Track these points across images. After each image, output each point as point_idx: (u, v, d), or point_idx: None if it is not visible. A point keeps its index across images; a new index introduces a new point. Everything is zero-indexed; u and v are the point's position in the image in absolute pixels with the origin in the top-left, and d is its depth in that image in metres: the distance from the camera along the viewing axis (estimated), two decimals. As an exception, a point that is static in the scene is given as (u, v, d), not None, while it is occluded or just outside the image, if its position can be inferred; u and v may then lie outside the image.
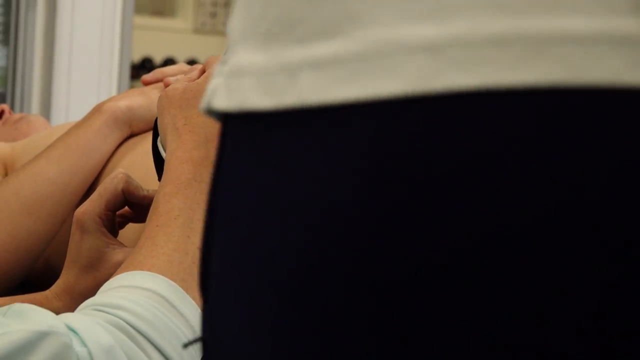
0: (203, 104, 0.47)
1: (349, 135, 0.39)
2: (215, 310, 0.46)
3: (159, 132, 0.99)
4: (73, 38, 2.92)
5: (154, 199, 0.92)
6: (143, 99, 1.36)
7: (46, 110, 2.90)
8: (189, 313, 0.83)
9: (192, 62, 6.45)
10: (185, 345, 0.79)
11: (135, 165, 1.24)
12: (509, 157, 0.35)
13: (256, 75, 0.42)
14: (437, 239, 0.36)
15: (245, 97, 0.43)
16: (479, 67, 0.35)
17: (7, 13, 2.94)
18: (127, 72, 2.98)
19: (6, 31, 2.94)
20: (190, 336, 0.82)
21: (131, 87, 3.26)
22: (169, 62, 6.40)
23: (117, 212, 1.05)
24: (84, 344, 0.77)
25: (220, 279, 0.45)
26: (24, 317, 0.77)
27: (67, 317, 0.80)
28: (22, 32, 2.88)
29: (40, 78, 2.92)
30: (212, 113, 0.47)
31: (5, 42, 2.95)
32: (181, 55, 6.45)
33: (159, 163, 1.03)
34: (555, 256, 0.35)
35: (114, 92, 2.94)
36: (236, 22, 0.46)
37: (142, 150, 1.23)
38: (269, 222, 0.42)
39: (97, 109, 1.34)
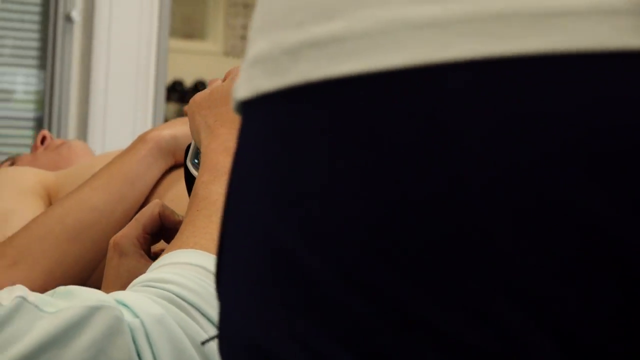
0: (232, 103, 0.49)
1: (352, 108, 0.40)
2: (225, 296, 0.47)
3: (192, 135, 1.01)
4: (109, 61, 2.93)
5: (193, 187, 0.94)
6: (187, 128, 1.36)
7: (82, 133, 2.92)
8: None
9: (222, 85, 6.48)
10: (203, 343, 0.80)
11: (181, 198, 1.24)
12: (525, 117, 0.38)
13: (263, 61, 0.45)
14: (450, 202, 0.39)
15: (257, 82, 0.45)
16: (484, 38, 0.38)
17: (43, 37, 2.96)
18: (162, 95, 2.99)
19: (43, 55, 2.96)
20: None
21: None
22: (199, 84, 6.43)
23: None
24: (135, 315, 0.79)
25: (230, 264, 0.47)
26: (71, 295, 0.79)
27: (116, 294, 0.82)
28: (58, 55, 2.90)
29: (76, 101, 2.94)
30: (238, 109, 0.49)
31: (42, 66, 2.97)
32: (211, 77, 6.48)
33: (190, 183, 1.06)
34: None
35: (149, 115, 2.95)
36: (253, 21, 0.48)
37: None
38: (274, 201, 0.43)
39: (141, 138, 1.35)
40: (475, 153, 0.38)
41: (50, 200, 1.51)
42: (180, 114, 6.30)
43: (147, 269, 1.03)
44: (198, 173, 0.97)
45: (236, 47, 6.63)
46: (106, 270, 1.05)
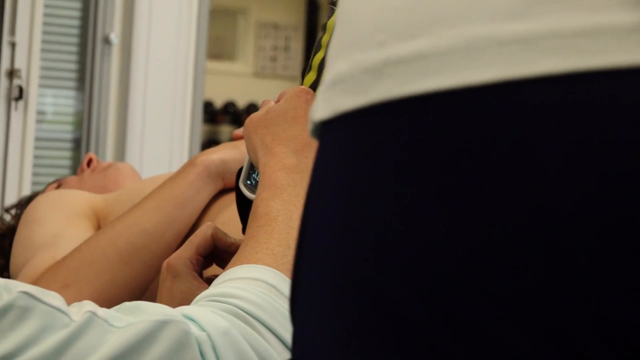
0: (309, 126, 0.49)
1: (436, 124, 0.41)
2: (302, 321, 0.47)
3: (249, 154, 1.03)
4: (147, 83, 2.95)
5: (253, 205, 0.96)
6: (235, 152, 1.37)
7: (120, 154, 2.93)
8: None
9: (251, 106, 6.50)
10: None
11: (232, 222, 1.25)
12: (616, 128, 0.37)
13: (343, 81, 0.45)
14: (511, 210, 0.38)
15: (336, 102, 0.45)
16: (571, 54, 0.38)
17: (82, 59, 2.99)
18: (199, 116, 3.00)
19: (81, 77, 2.98)
20: None
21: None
22: (229, 105, 6.46)
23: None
24: (202, 329, 0.79)
25: (308, 289, 0.47)
26: (139, 310, 0.80)
27: (182, 308, 0.83)
28: (97, 77, 2.92)
29: (114, 123, 2.95)
30: (315, 132, 0.49)
31: (81, 87, 2.99)
32: (241, 99, 6.50)
33: (242, 205, 1.07)
34: None
35: (186, 136, 2.96)
36: (331, 46, 0.49)
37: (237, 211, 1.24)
38: (355, 225, 0.43)
39: (191, 162, 1.36)
40: (560, 175, 0.38)
41: (98, 222, 1.51)
42: (211, 134, 6.32)
43: (200, 290, 1.03)
44: (256, 191, 0.98)
45: (266, 68, 6.65)
46: (159, 291, 1.05)
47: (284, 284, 0.87)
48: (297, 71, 6.71)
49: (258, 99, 6.48)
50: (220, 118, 6.44)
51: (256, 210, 0.94)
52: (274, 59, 6.65)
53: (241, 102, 6.51)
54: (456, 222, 0.39)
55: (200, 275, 1.05)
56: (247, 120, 1.04)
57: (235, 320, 0.82)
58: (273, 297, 0.85)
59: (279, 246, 0.90)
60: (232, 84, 6.49)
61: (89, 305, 0.80)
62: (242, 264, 0.89)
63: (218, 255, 1.07)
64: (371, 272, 0.42)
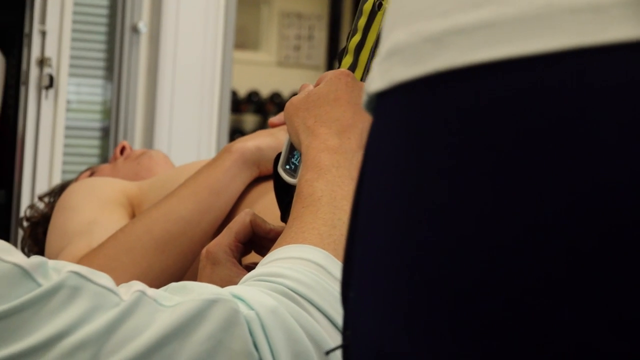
0: (363, 99, 0.48)
1: (500, 93, 0.39)
2: (356, 304, 0.46)
3: (291, 137, 1.03)
4: (175, 72, 2.95)
5: (297, 186, 0.96)
6: (271, 140, 1.36)
7: (148, 142, 2.94)
8: None
9: (275, 95, 6.49)
10: (328, 353, 0.80)
11: (269, 209, 1.25)
12: None
13: (401, 51, 0.44)
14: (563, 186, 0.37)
15: (394, 73, 0.44)
16: None
17: (110, 48, 2.99)
18: (227, 105, 3.00)
19: (110, 66, 2.99)
20: None
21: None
22: (253, 95, 6.45)
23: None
24: (250, 308, 0.80)
25: (363, 271, 0.46)
26: (186, 290, 0.81)
27: (230, 288, 0.83)
28: (125, 66, 2.93)
29: (142, 111, 2.95)
30: (369, 105, 0.48)
31: (109, 76, 3.00)
32: (265, 88, 6.50)
33: (280, 191, 1.07)
34: None
35: (214, 125, 2.96)
36: (386, 19, 0.48)
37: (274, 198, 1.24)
38: (415, 204, 0.42)
39: (227, 149, 1.36)
40: (621, 149, 0.37)
41: (133, 210, 1.52)
42: (235, 123, 6.32)
43: (240, 277, 1.03)
44: (299, 173, 0.98)
45: (290, 58, 6.64)
46: (199, 279, 1.05)
47: (331, 263, 0.87)
48: (321, 60, 6.70)
49: (282, 88, 6.48)
50: (244, 107, 6.43)
51: (300, 192, 0.94)
52: (297, 48, 6.64)
53: (265, 92, 6.50)
54: (533, 202, 0.38)
55: (239, 262, 1.05)
56: (288, 104, 1.04)
57: (284, 299, 0.82)
58: (321, 276, 0.85)
59: (324, 226, 0.90)
60: (256, 74, 6.48)
61: (138, 285, 0.80)
62: (288, 244, 0.89)
63: (257, 242, 1.07)
64: (432, 258, 0.41)
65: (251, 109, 6.48)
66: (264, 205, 1.30)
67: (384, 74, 0.45)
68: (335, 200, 0.92)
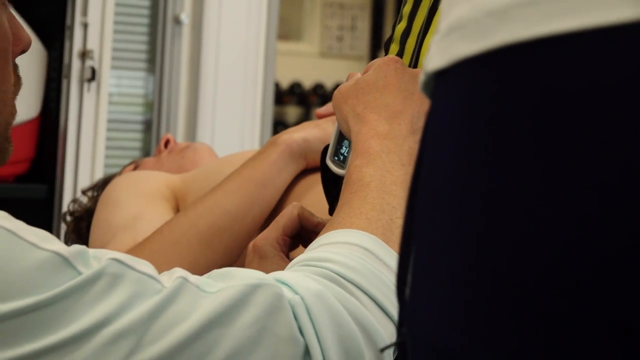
0: (421, 80, 0.47)
1: (569, 67, 0.38)
2: (413, 296, 0.45)
3: (340, 125, 1.03)
4: (218, 64, 2.95)
5: (346, 173, 0.97)
6: (318, 131, 1.36)
7: (191, 136, 2.94)
8: (392, 263, 0.86)
9: (318, 87, 6.49)
10: (383, 350, 0.80)
11: (318, 203, 1.23)
12: None
13: (462, 27, 0.43)
14: None
15: (454, 49, 0.43)
16: None
17: (152, 40, 2.99)
18: (270, 97, 3.00)
19: (152, 58, 2.99)
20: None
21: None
22: (295, 86, 6.45)
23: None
24: (295, 292, 0.80)
25: (422, 261, 0.45)
26: (229, 276, 0.80)
27: (274, 273, 0.84)
28: (167, 58, 2.93)
29: (185, 104, 2.96)
30: (427, 85, 0.46)
31: (151, 69, 3.00)
32: (307, 80, 6.49)
33: (328, 183, 1.08)
34: None
35: (257, 117, 2.96)
36: None
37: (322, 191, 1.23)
38: (478, 187, 0.41)
39: (273, 142, 1.35)
40: None
41: (177, 203, 1.51)
42: (277, 115, 6.33)
43: None
44: (348, 161, 0.98)
45: (332, 48, 6.63)
46: None
47: (380, 248, 0.87)
48: (364, 51, 6.68)
49: (324, 79, 6.47)
50: (287, 99, 6.44)
51: (349, 178, 0.95)
52: (340, 39, 6.62)
53: (307, 83, 6.50)
54: (610, 192, 0.36)
55: (287, 256, 1.05)
56: (336, 92, 1.04)
57: (330, 283, 0.82)
58: (369, 261, 0.85)
59: (372, 211, 0.90)
60: (298, 65, 6.48)
61: (179, 272, 0.80)
62: (336, 229, 0.90)
63: (305, 235, 1.06)
64: (493, 251, 0.40)
65: (294, 100, 6.49)
66: (311, 198, 1.29)
67: (444, 51, 0.44)
68: (385, 185, 0.92)
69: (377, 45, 6.50)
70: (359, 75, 1.05)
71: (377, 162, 0.94)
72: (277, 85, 6.25)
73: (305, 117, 6.29)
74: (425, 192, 0.46)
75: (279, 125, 5.81)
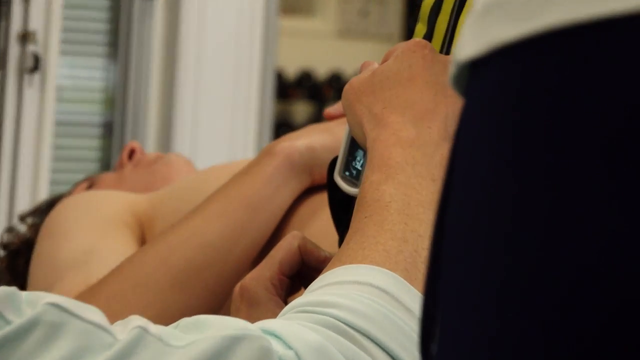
0: (450, 72, 0.48)
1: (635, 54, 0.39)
2: (446, 350, 0.47)
3: (352, 130, 1.04)
4: (200, 49, 2.97)
5: (360, 191, 0.97)
6: (327, 137, 1.36)
7: (164, 142, 2.96)
8: (415, 307, 0.87)
9: (335, 77, 6.50)
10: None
11: (326, 233, 1.24)
12: None
13: (504, 5, 0.44)
14: None
15: (494, 32, 0.44)
16: None
17: (115, 19, 3.01)
18: (271, 91, 3.01)
19: (114, 42, 3.01)
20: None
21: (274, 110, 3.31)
22: (305, 76, 6.48)
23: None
24: (288, 347, 0.80)
25: (456, 304, 0.46)
26: (203, 326, 0.81)
27: (262, 322, 0.84)
28: (135, 42, 2.95)
29: (157, 101, 2.98)
30: (459, 79, 0.48)
31: (113, 55, 3.02)
32: (321, 66, 6.52)
33: (337, 207, 1.09)
34: None
35: (252, 117, 2.97)
36: None
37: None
38: (529, 202, 0.42)
39: (268, 151, 1.35)
40: None
41: (143, 232, 1.52)
42: (282, 114, 6.35)
43: None
44: (363, 176, 0.99)
45: (353, 26, 6.66)
46: None
47: (401, 288, 0.88)
48: (395, 29, 6.70)
49: (344, 66, 6.49)
50: (294, 93, 6.47)
51: (363, 198, 0.96)
52: (364, 14, 6.65)
53: (321, 71, 6.53)
54: None
55: (285, 301, 1.05)
56: (347, 87, 1.04)
57: (332, 334, 0.83)
58: (385, 305, 0.86)
59: (392, 240, 0.91)
60: (309, 48, 6.51)
61: (137, 320, 0.80)
62: (344, 264, 0.90)
63: (308, 275, 1.07)
64: (562, 295, 0.41)
65: (303, 94, 6.51)
66: (318, 226, 1.30)
67: (480, 35, 0.45)
68: (409, 206, 0.93)
69: (413, 22, 6.52)
70: (376, 65, 1.05)
71: (400, 177, 0.95)
72: (280, 76, 6.27)
73: (318, 116, 6.31)
74: (456, 213, 0.47)
75: (283, 127, 5.81)
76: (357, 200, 0.97)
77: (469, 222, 0.46)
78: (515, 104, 0.43)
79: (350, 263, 0.90)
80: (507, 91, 0.44)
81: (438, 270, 0.48)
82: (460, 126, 0.48)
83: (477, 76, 0.46)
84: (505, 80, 0.44)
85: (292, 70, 6.48)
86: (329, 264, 0.93)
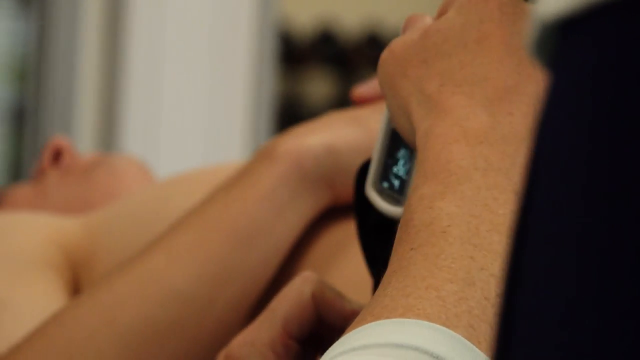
0: (530, 35, 0.51)
1: None
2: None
3: (392, 116, 1.06)
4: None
5: (404, 209, 0.98)
6: (356, 133, 1.38)
7: (106, 139, 2.96)
8: None
9: (370, 35, 6.48)
10: None
11: (348, 275, 1.27)
12: None
13: None
14: None
15: None
16: None
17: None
18: (271, 56, 3.02)
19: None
20: None
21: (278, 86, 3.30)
22: (324, 32, 6.48)
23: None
24: None
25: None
26: None
27: None
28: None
29: (95, 73, 2.98)
30: (542, 46, 0.51)
31: (26, 7, 3.03)
32: (348, 19, 6.52)
33: (369, 231, 1.12)
34: None
35: (242, 98, 2.97)
36: None
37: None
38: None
39: (267, 154, 1.36)
40: None
41: (76, 276, 1.54)
42: (289, 90, 6.35)
43: None
44: (410, 186, 1.00)
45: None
46: None
47: (461, 351, 0.89)
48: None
49: (383, 20, 6.50)
50: (308, 59, 6.46)
51: (410, 220, 0.97)
52: None
53: (348, 26, 6.53)
54: None
55: None
56: (386, 53, 1.07)
57: None
58: None
59: (451, 282, 0.92)
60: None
61: None
62: (377, 319, 0.91)
63: (325, 337, 1.10)
64: None
65: (322, 62, 6.50)
66: (342, 266, 1.32)
67: None
68: (477, 233, 0.95)
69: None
70: (429, 20, 1.07)
71: (464, 189, 0.97)
72: (287, 34, 6.26)
73: (344, 97, 6.28)
74: (540, 235, 0.50)
75: (291, 113, 5.77)
76: (400, 225, 0.98)
77: (554, 242, 0.49)
78: (630, 78, 0.47)
79: (388, 317, 0.91)
80: (618, 62, 0.47)
81: (512, 302, 0.52)
82: (544, 112, 0.51)
83: (572, 41, 0.49)
84: (614, 47, 0.47)
85: (305, 23, 6.49)
86: (357, 318, 0.94)
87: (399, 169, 1.09)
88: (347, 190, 1.35)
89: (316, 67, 6.51)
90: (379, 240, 1.11)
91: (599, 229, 0.47)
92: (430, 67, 1.03)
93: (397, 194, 1.09)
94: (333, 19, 6.52)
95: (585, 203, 0.48)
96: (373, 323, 0.91)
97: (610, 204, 0.47)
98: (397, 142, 1.08)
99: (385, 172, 1.10)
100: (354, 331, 0.92)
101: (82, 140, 3.04)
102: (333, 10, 6.52)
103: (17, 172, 3.08)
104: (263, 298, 1.35)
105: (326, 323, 1.09)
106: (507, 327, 0.53)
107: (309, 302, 1.08)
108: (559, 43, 0.50)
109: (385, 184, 1.10)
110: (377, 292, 0.95)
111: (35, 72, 3.08)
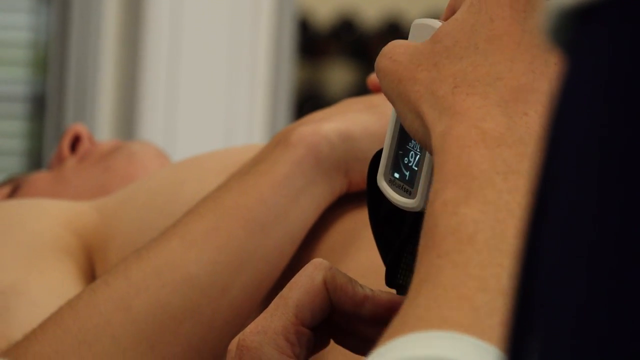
0: (545, 26, 0.50)
1: None
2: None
3: (401, 118, 1.04)
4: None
5: (426, 216, 0.97)
6: (372, 119, 1.38)
7: (124, 127, 2.97)
8: None
9: (391, 24, 6.46)
10: None
11: (363, 263, 1.26)
12: None
13: None
14: None
15: None
16: None
17: None
18: (290, 43, 3.02)
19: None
20: None
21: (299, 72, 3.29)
22: (345, 23, 6.47)
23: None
24: None
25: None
26: None
27: None
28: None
29: (114, 62, 2.99)
30: (560, 34, 0.50)
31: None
32: (368, 10, 6.51)
33: (382, 221, 1.11)
34: None
35: (261, 87, 2.98)
36: None
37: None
38: None
39: (282, 140, 1.36)
40: None
41: (91, 261, 1.54)
42: (308, 80, 6.35)
43: None
44: (431, 189, 0.99)
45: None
46: None
47: None
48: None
49: (404, 7, 6.49)
50: (327, 46, 6.45)
51: (435, 227, 0.96)
52: None
53: (369, 16, 6.52)
54: None
55: None
56: (385, 62, 1.05)
57: None
58: None
59: (481, 291, 0.91)
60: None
61: None
62: (410, 330, 0.90)
63: (341, 323, 1.09)
64: None
65: (342, 51, 6.50)
66: (356, 252, 1.31)
67: None
68: (504, 239, 0.93)
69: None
70: (437, 24, 1.05)
71: (487, 194, 0.95)
72: (305, 22, 6.26)
73: (363, 82, 6.26)
74: (554, 240, 0.50)
75: (310, 101, 5.78)
76: (423, 232, 0.97)
77: (570, 246, 0.49)
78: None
79: (421, 329, 0.89)
80: (636, 49, 0.46)
81: (528, 322, 0.51)
82: (563, 94, 0.50)
83: (590, 27, 0.48)
84: (632, 34, 0.46)
85: (325, 14, 6.48)
86: (387, 330, 0.92)
87: (410, 160, 1.08)
88: (362, 176, 1.34)
89: (336, 56, 6.52)
90: (391, 229, 1.10)
91: (615, 216, 0.47)
92: (441, 70, 1.02)
93: (408, 185, 1.07)
94: (353, 8, 6.51)
95: (600, 190, 0.48)
96: (407, 336, 0.89)
97: (626, 190, 0.47)
98: (407, 134, 1.07)
99: (396, 163, 1.09)
100: (391, 343, 0.90)
101: (101, 128, 3.05)
102: (351, 2, 6.51)
103: (38, 160, 3.08)
104: (278, 284, 1.34)
105: (338, 309, 1.08)
106: (522, 321, 0.53)
107: (321, 288, 1.07)
108: (577, 29, 0.49)
109: (396, 175, 1.09)
110: (407, 302, 0.93)
111: (55, 62, 3.08)
